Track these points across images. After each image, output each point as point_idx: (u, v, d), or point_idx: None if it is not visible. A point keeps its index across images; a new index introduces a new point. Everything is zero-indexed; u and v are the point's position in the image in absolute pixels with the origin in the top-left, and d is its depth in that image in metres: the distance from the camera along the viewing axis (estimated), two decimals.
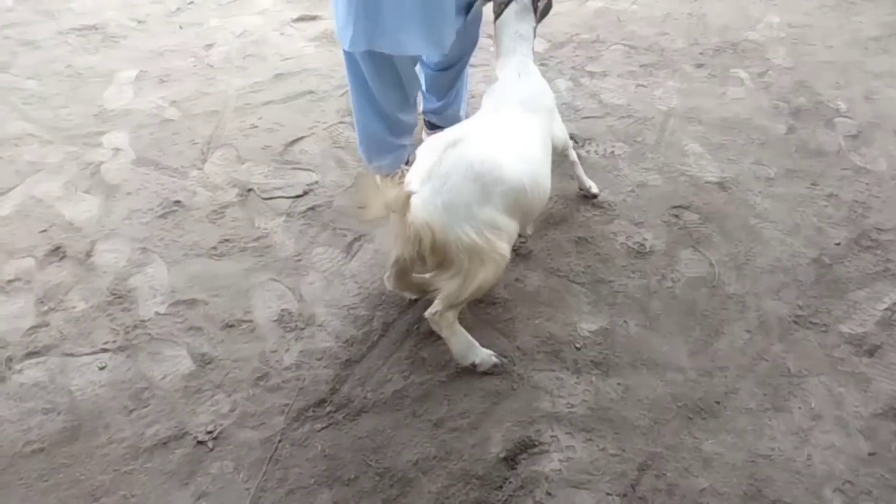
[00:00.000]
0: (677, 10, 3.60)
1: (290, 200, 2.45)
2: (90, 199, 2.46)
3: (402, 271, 1.82)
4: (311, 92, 3.01)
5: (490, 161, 1.71)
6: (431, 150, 1.74)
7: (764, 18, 3.49)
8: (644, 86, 3.01)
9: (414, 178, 1.71)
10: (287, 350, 1.92)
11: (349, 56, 2.09)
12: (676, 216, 2.32)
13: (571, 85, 3.03)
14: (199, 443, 1.71)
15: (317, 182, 2.53)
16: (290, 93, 3.02)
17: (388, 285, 1.94)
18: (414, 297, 2.00)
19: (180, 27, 3.58)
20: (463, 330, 1.82)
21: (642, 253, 2.19)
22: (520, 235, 2.02)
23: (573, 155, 2.33)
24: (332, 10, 2.04)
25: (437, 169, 1.67)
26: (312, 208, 2.41)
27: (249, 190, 2.49)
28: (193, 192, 2.48)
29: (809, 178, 2.51)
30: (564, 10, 3.63)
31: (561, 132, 2.17)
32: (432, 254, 1.67)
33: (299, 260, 2.21)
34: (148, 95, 3.03)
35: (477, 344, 1.83)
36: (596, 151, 2.62)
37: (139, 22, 3.61)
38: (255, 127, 2.82)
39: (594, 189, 2.37)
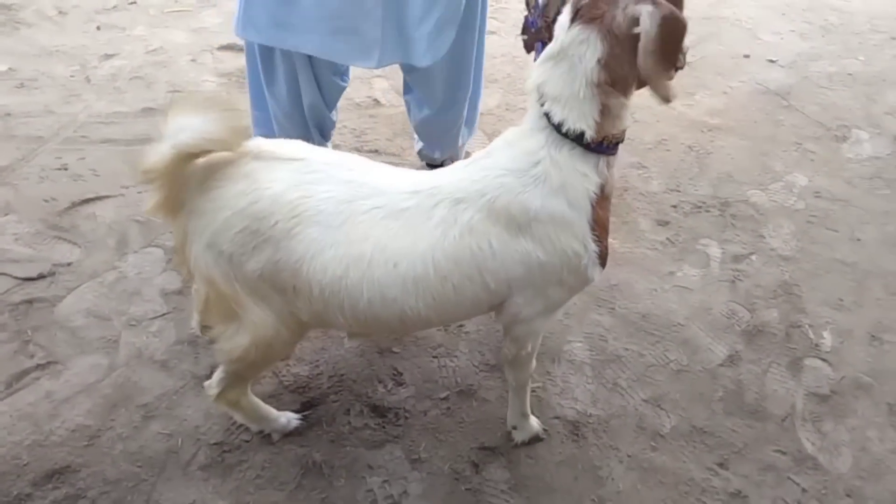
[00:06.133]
0: (679, 137, 2.75)
1: (14, 283, 1.85)
2: None
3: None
4: None
5: (280, 207, 1.15)
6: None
7: (786, 177, 2.55)
8: None
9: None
10: None
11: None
12: (473, 466, 1.52)
13: None
14: None
15: (70, 264, 1.93)
16: (140, 135, 2.45)
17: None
18: None
19: (98, 28, 3.12)
20: (254, 402, 1.47)
21: None
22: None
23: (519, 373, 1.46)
24: None
25: (214, 179, 1.20)
26: (31, 302, 1.81)
27: None
28: None
29: (722, 450, 1.62)
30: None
31: (532, 315, 1.31)
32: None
33: None
34: None
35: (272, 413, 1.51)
36: None
37: (60, 13, 3.19)
38: (64, 169, 2.26)
39: (517, 436, 1.54)
